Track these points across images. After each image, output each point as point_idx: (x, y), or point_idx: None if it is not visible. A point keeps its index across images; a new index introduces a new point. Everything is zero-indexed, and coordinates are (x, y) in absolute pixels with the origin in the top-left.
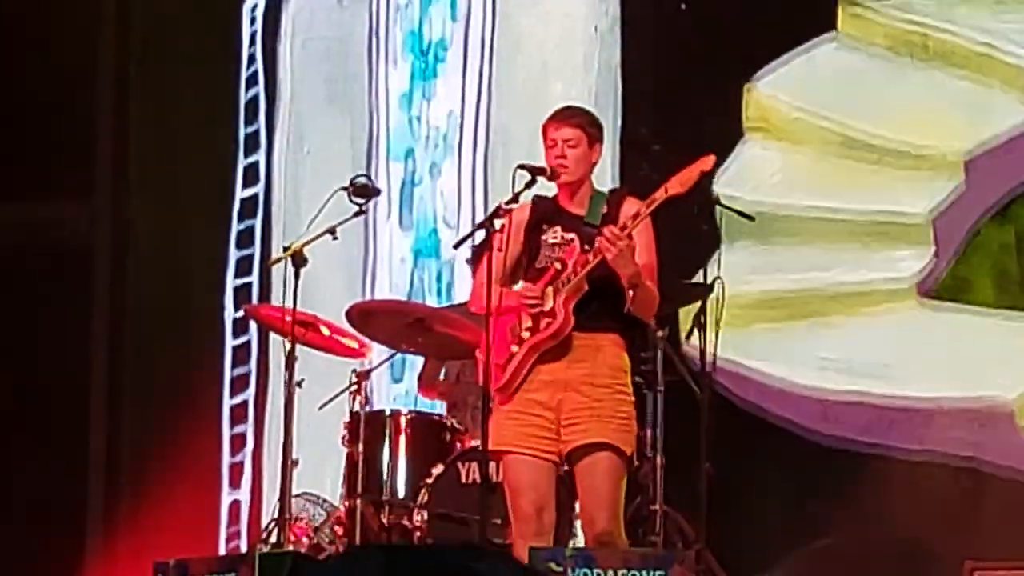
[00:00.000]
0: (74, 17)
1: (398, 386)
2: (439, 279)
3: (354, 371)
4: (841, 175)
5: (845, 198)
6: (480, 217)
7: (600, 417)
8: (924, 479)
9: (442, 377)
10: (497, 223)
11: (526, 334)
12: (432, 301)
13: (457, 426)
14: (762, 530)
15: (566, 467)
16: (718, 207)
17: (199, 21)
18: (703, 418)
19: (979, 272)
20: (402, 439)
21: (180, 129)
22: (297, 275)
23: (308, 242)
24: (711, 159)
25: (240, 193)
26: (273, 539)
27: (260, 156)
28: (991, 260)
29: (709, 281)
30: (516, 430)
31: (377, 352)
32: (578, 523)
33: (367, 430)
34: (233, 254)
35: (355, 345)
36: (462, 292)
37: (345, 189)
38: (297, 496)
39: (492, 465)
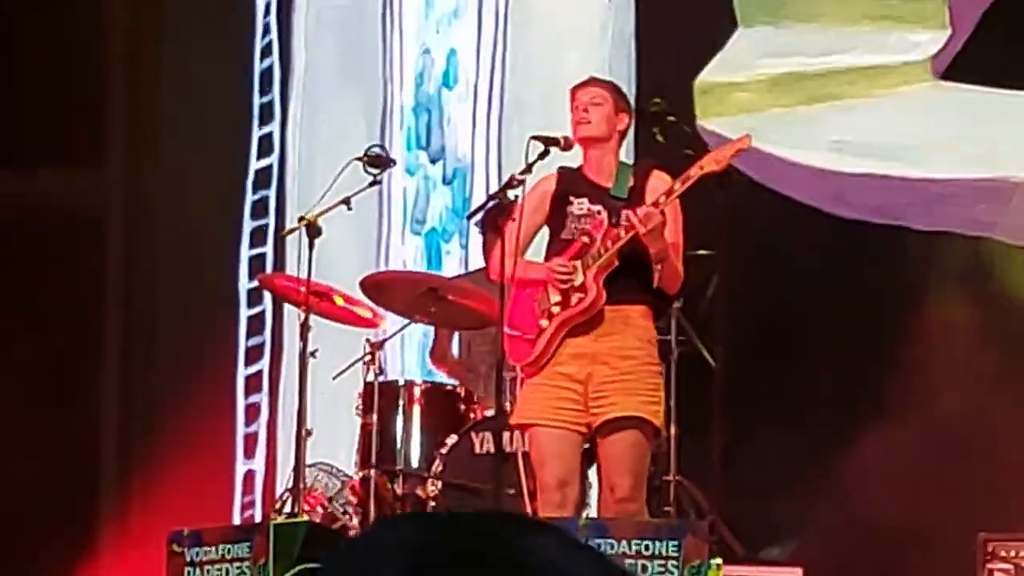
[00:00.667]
0: None
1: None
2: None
3: (368, 341)
4: None
5: None
6: (494, 187)
7: (629, 390)
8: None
9: (455, 347)
10: (511, 193)
11: (556, 308)
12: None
13: (475, 398)
14: (775, 501)
15: (596, 439)
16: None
17: None
18: (716, 389)
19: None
20: (416, 409)
21: (194, 99)
22: (311, 245)
23: (322, 212)
24: (748, 138)
25: (255, 164)
26: (287, 509)
27: (275, 127)
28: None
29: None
30: (544, 402)
31: (391, 322)
32: (591, 493)
33: (381, 400)
34: (247, 224)
35: (369, 315)
36: (476, 260)
37: (359, 159)
38: (311, 466)
39: (506, 435)
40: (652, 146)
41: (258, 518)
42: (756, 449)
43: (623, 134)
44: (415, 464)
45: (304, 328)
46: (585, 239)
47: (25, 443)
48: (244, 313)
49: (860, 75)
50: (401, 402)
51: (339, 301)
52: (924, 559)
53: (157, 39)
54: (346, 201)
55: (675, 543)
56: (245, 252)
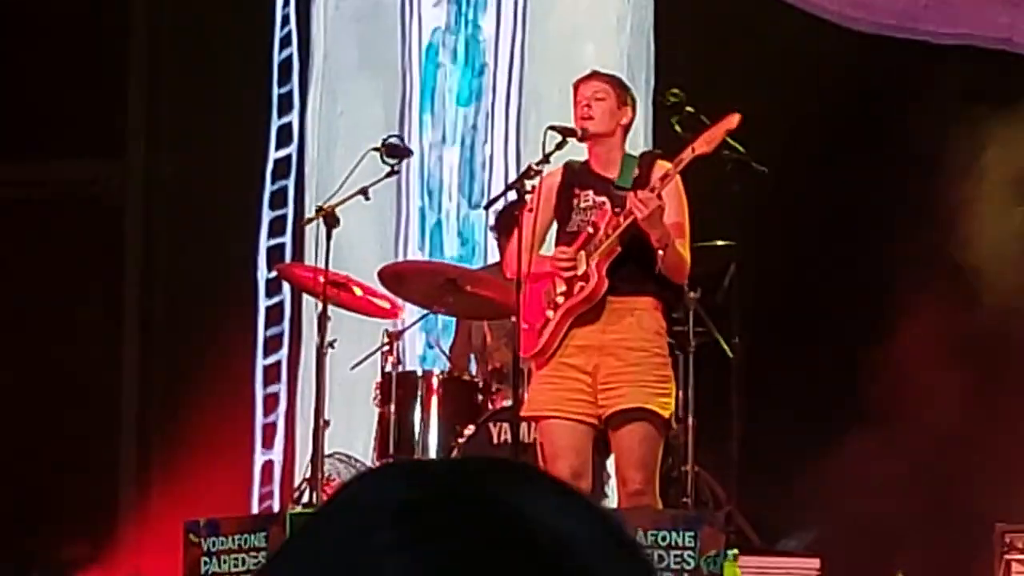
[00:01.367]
0: None
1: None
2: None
3: (386, 331)
4: None
5: None
6: (512, 178)
7: (637, 382)
8: None
9: (472, 338)
10: (528, 184)
11: (560, 299)
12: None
13: (492, 388)
14: (793, 492)
15: (608, 431)
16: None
17: None
18: (734, 380)
19: None
20: (434, 399)
21: (213, 89)
22: (329, 235)
23: (340, 203)
24: (736, 117)
25: (273, 154)
26: (305, 499)
27: (293, 117)
28: None
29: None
30: (554, 394)
31: (409, 312)
32: (611, 483)
33: (399, 390)
34: (266, 214)
35: (387, 305)
36: (492, 253)
37: (377, 150)
38: (329, 456)
39: (524, 426)
40: (670, 137)
41: (276, 508)
42: (774, 440)
43: (627, 127)
44: (433, 454)
45: (322, 318)
46: (590, 230)
47: (45, 433)
48: (263, 303)
49: None
50: (419, 392)
51: (357, 291)
52: (942, 551)
53: (177, 31)
54: (364, 191)
55: (691, 534)
56: (264, 242)
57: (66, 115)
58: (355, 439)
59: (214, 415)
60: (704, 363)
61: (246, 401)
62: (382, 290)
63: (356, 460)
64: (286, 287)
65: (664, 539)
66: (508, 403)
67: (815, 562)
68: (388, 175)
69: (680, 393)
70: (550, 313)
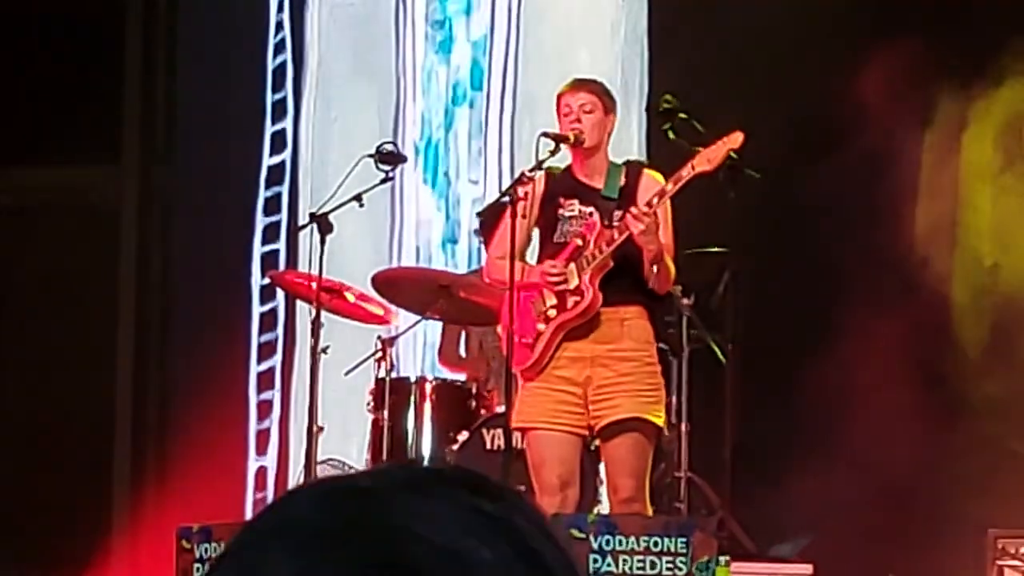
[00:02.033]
0: None
1: None
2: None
3: (379, 337)
4: None
5: None
6: (506, 185)
7: (629, 391)
8: None
9: (462, 344)
10: (520, 190)
11: (552, 312)
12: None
13: (486, 393)
14: (786, 498)
15: (597, 442)
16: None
17: None
18: (727, 386)
19: None
20: (427, 405)
21: (207, 96)
22: (323, 242)
23: (334, 209)
24: (739, 136)
25: (267, 160)
26: None
27: (287, 123)
28: None
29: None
30: (544, 406)
31: (402, 318)
32: (603, 489)
33: (392, 396)
34: (260, 221)
35: (380, 312)
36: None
37: (371, 156)
38: (322, 462)
39: (516, 432)
40: (663, 143)
41: None
42: (767, 446)
43: (611, 134)
44: (426, 460)
45: (316, 324)
46: (578, 241)
47: (39, 438)
48: (256, 309)
49: None
50: (412, 398)
51: (351, 297)
52: (934, 556)
53: (170, 37)
54: (358, 198)
55: (684, 540)
56: (258, 248)
57: (61, 122)
58: (349, 445)
59: (208, 421)
60: (697, 369)
61: (240, 407)
62: (376, 296)
63: (349, 466)
64: (280, 293)
65: (656, 545)
66: (501, 409)
67: (808, 568)
68: (382, 182)
69: (673, 399)
70: (541, 326)
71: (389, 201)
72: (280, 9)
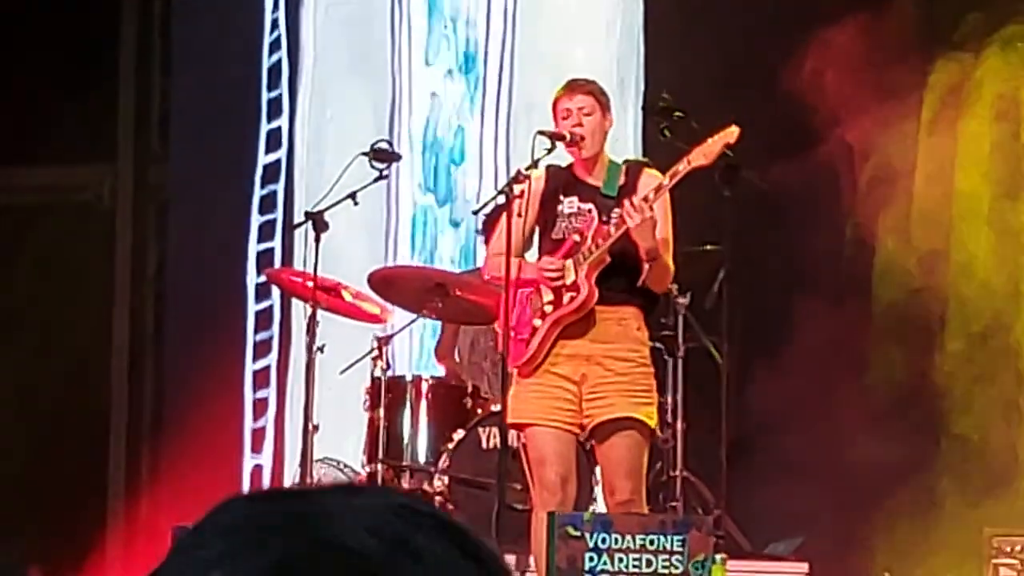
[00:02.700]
0: None
1: None
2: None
3: (375, 336)
4: None
5: None
6: (502, 183)
7: (624, 391)
8: None
9: (458, 343)
10: (516, 188)
11: (548, 308)
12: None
13: (484, 395)
14: (782, 497)
15: (592, 442)
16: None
17: None
18: (723, 385)
19: None
20: (423, 404)
21: (203, 94)
22: (318, 240)
23: (330, 207)
24: (735, 130)
25: (263, 158)
26: None
27: (283, 121)
28: None
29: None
30: (540, 403)
31: (398, 317)
32: (598, 489)
33: (388, 395)
34: (256, 219)
35: (376, 310)
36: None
37: (366, 154)
38: (318, 461)
39: (512, 431)
40: (658, 142)
41: None
42: (762, 445)
43: (607, 132)
44: (422, 459)
45: (312, 323)
46: (576, 237)
47: (34, 436)
48: (252, 308)
49: None
50: (408, 397)
51: (347, 296)
52: (931, 555)
53: (167, 37)
54: (353, 196)
55: (680, 538)
56: (253, 247)
57: (57, 121)
58: (344, 444)
59: (203, 419)
60: (693, 368)
61: (235, 405)
62: (371, 294)
63: (345, 465)
64: (275, 292)
65: (652, 543)
66: (497, 407)
67: (803, 566)
68: (377, 180)
69: (669, 398)
70: (537, 322)
71: (384, 199)
72: (275, 7)
